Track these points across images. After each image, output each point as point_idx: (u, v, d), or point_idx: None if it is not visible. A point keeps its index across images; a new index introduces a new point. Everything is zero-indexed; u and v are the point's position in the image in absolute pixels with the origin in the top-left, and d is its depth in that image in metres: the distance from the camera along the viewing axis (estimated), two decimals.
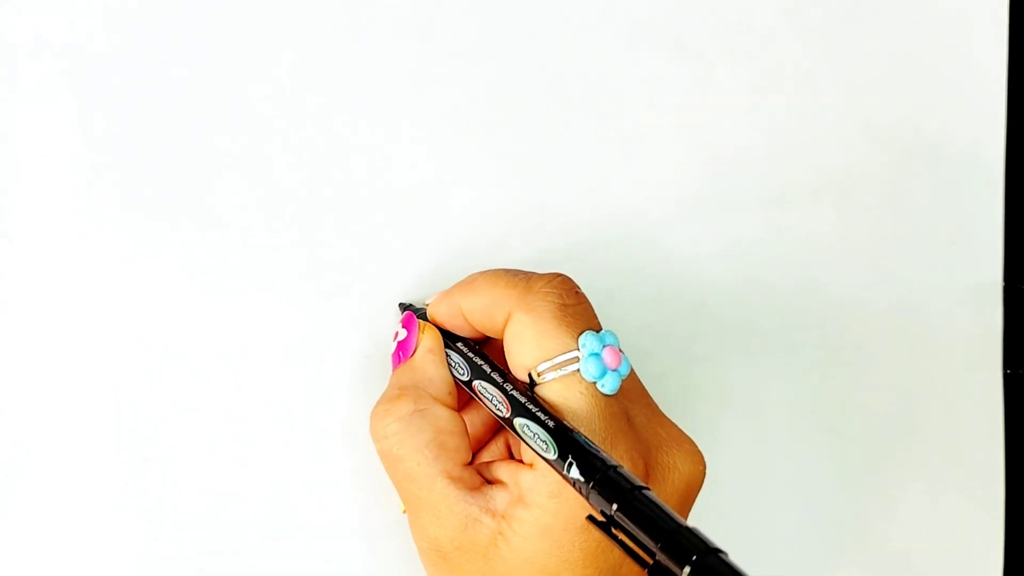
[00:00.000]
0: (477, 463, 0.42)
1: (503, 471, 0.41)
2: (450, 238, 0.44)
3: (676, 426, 0.42)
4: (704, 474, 0.42)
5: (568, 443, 0.38)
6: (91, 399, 0.40)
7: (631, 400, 0.42)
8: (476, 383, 0.42)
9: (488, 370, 0.42)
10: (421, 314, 0.44)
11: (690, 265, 0.47)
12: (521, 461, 0.41)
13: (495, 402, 0.40)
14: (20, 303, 0.40)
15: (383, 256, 0.43)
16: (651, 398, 0.43)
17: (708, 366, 0.46)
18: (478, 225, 0.45)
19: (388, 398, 0.42)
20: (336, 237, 0.43)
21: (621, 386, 0.41)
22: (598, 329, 0.41)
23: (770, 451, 0.47)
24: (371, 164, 0.43)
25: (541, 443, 0.38)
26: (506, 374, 0.41)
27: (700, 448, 0.41)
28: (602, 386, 0.40)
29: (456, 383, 0.43)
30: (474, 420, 0.45)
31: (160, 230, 0.41)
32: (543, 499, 0.40)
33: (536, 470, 0.40)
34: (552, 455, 0.38)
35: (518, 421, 0.39)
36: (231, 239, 0.41)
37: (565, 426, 0.39)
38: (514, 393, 0.40)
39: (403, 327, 0.44)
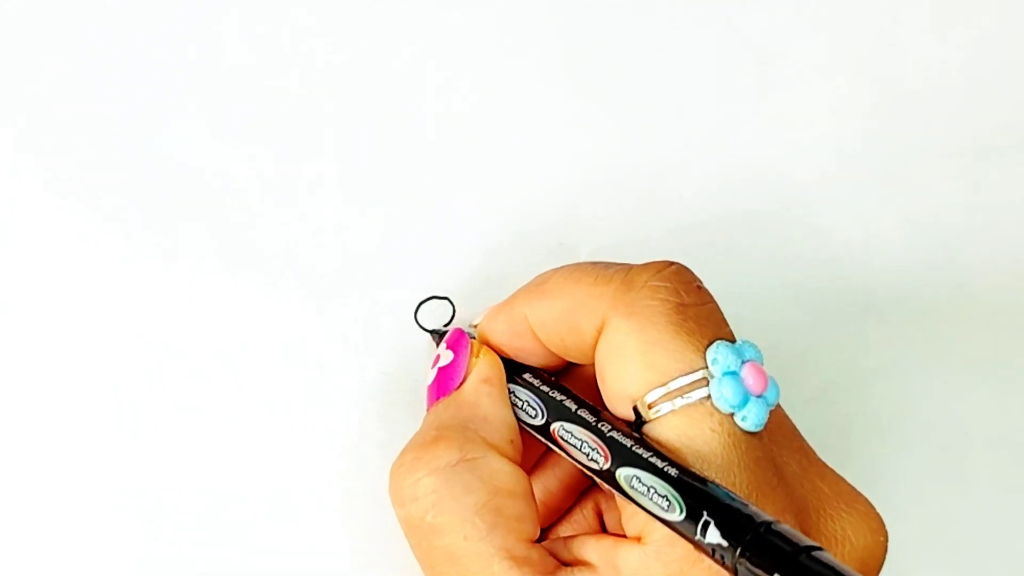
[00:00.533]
0: (550, 540, 0.37)
1: (591, 549, 0.36)
2: (491, 224, 0.44)
3: (843, 479, 0.37)
4: (886, 547, 0.37)
5: (700, 496, 0.32)
6: (91, 399, 0.42)
7: (778, 442, 0.36)
8: (556, 427, 0.36)
9: (573, 407, 0.36)
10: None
11: (852, 248, 0.45)
12: (618, 534, 0.36)
13: (586, 450, 0.35)
14: (20, 303, 0.42)
15: (395, 251, 0.43)
16: (804, 440, 0.37)
17: (880, 387, 0.43)
18: (534, 205, 0.44)
19: (421, 443, 0.36)
20: (342, 231, 0.43)
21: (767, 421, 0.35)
22: (732, 339, 0.35)
23: (974, 508, 0.44)
24: (385, 128, 0.44)
25: (659, 499, 0.33)
26: (599, 410, 0.36)
27: (877, 509, 0.37)
28: (742, 419, 0.34)
29: (522, 429, 0.38)
30: (548, 483, 0.40)
31: (160, 230, 0.42)
32: None
33: (647, 545, 0.34)
34: (677, 515, 0.32)
35: (623, 473, 0.34)
36: (231, 238, 0.42)
37: (693, 473, 0.33)
38: (614, 434, 0.34)
39: (448, 348, 0.39)
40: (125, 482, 0.41)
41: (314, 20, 0.44)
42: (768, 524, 0.31)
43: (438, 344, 0.40)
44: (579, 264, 0.37)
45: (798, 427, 0.38)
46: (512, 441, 0.37)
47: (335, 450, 0.42)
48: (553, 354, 0.37)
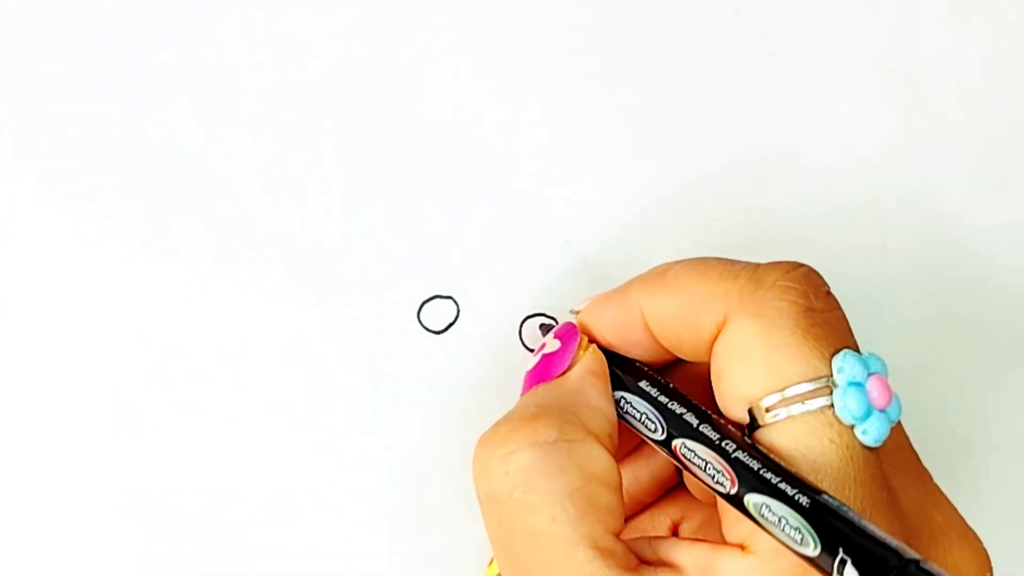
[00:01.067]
0: (633, 538, 0.35)
1: (682, 552, 0.33)
2: (495, 222, 0.43)
3: (956, 510, 0.35)
4: None
5: (834, 530, 0.29)
6: (91, 399, 0.42)
7: (898, 465, 0.34)
8: (678, 444, 0.34)
9: (694, 422, 0.34)
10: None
11: (869, 244, 0.43)
12: (709, 540, 0.34)
13: (711, 471, 0.32)
14: (19, 302, 0.42)
15: (396, 250, 0.42)
16: (924, 466, 0.36)
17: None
18: (539, 203, 0.43)
19: (520, 417, 0.34)
20: (343, 230, 0.43)
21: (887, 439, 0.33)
22: (858, 350, 0.33)
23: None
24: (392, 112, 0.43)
25: (792, 531, 0.30)
26: (722, 424, 0.33)
27: (985, 544, 0.35)
28: (863, 433, 0.32)
29: (627, 429, 0.35)
30: (639, 473, 0.38)
31: (159, 229, 0.42)
32: None
33: (752, 555, 0.32)
34: (811, 550, 0.30)
35: (751, 500, 0.31)
36: (231, 238, 0.42)
37: (826, 503, 0.30)
38: (739, 455, 0.32)
39: (556, 338, 0.37)
40: (125, 482, 0.41)
41: (315, 17, 0.43)
42: (916, 562, 0.29)
43: (543, 334, 0.39)
44: (703, 258, 0.35)
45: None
46: (611, 435, 0.35)
47: (335, 450, 0.41)
48: (661, 349, 0.36)
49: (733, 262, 0.34)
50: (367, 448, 0.41)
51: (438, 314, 0.41)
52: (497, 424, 0.34)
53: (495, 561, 0.37)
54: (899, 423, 0.35)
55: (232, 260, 0.42)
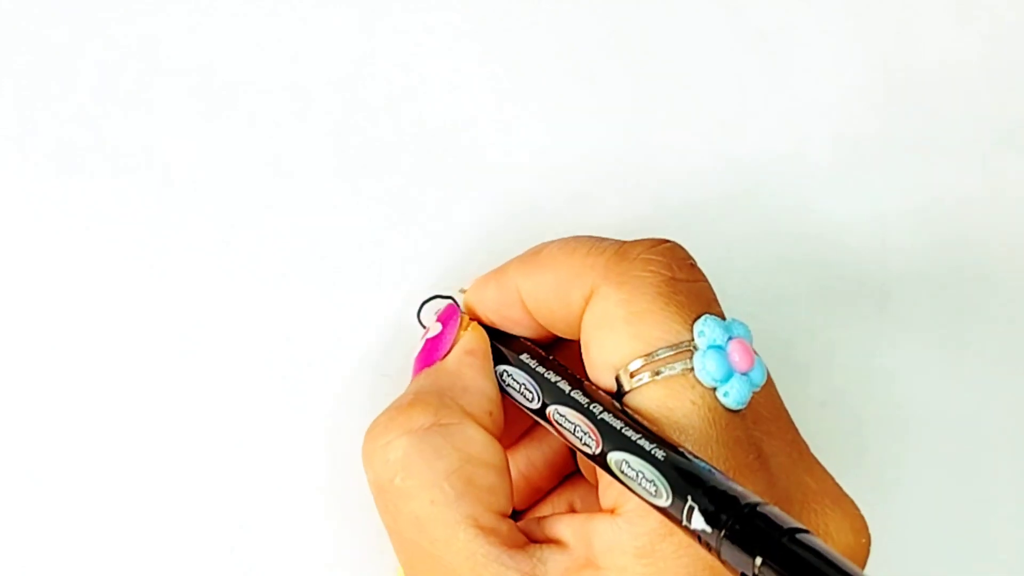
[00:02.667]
0: (524, 520, 0.35)
1: (564, 526, 0.34)
2: (493, 221, 0.43)
3: (831, 477, 0.35)
4: (868, 548, 0.35)
5: (685, 480, 0.30)
6: (91, 399, 0.41)
7: (768, 431, 0.35)
8: (552, 410, 0.34)
9: (567, 388, 0.34)
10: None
11: (860, 232, 0.43)
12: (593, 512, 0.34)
13: (579, 434, 0.33)
14: (19, 302, 0.41)
15: (396, 250, 0.42)
16: (798, 432, 0.36)
17: (897, 385, 0.41)
18: (537, 201, 0.43)
19: (397, 406, 0.35)
20: (342, 229, 0.42)
21: (752, 404, 0.33)
22: (722, 317, 0.34)
23: (976, 513, 0.42)
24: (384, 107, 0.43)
25: (647, 484, 0.31)
26: (593, 390, 0.34)
27: (862, 511, 0.35)
28: (724, 395, 0.33)
29: (521, 411, 0.36)
30: (533, 457, 0.38)
31: (157, 229, 0.42)
32: (627, 560, 0.32)
33: (619, 517, 0.32)
34: (664, 500, 0.31)
35: (613, 457, 0.32)
36: (228, 237, 0.42)
37: (681, 453, 0.31)
38: (604, 416, 0.33)
39: (438, 321, 0.38)
40: (123, 482, 0.41)
41: (313, 14, 0.43)
42: (753, 506, 0.29)
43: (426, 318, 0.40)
44: (574, 237, 0.36)
45: (813, 427, 0.37)
46: (491, 413, 0.35)
47: (335, 450, 0.41)
48: (539, 327, 0.36)
49: (601, 239, 0.35)
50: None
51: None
52: (379, 415, 0.35)
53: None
54: (775, 392, 0.35)
55: (229, 260, 0.42)
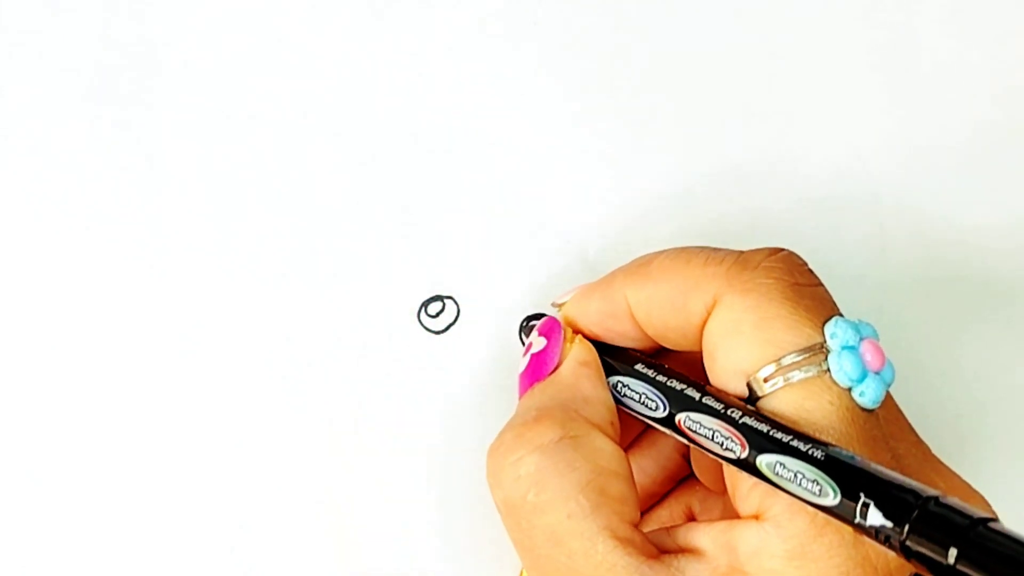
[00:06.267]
0: (651, 531, 0.35)
1: (700, 535, 0.33)
2: (494, 222, 0.42)
3: (958, 476, 0.35)
4: None
5: (853, 475, 0.30)
6: (91, 399, 0.41)
7: (894, 434, 0.35)
8: (682, 417, 0.34)
9: (696, 395, 0.34)
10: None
11: (868, 247, 0.43)
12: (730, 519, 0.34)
13: (719, 439, 0.33)
14: (19, 302, 0.41)
15: (395, 250, 0.42)
16: (919, 435, 0.36)
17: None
18: (539, 203, 0.43)
19: (521, 423, 0.35)
20: (342, 230, 0.42)
21: (879, 411, 0.33)
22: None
23: None
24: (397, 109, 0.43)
25: (809, 484, 0.31)
26: (723, 395, 0.34)
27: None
28: (860, 395, 0.33)
29: (641, 420, 0.36)
30: (645, 464, 0.38)
31: (158, 229, 0.42)
32: (777, 564, 0.32)
33: (765, 521, 0.32)
34: (832, 499, 0.30)
35: (764, 460, 0.32)
36: (229, 238, 0.42)
37: (841, 451, 0.31)
38: (747, 420, 0.33)
39: (541, 335, 0.37)
40: (123, 482, 0.40)
41: (315, 15, 0.43)
42: (935, 498, 0.29)
43: (527, 336, 0.39)
44: (686, 247, 0.36)
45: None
46: (612, 423, 0.35)
47: (335, 450, 0.41)
48: (647, 339, 0.36)
49: (715, 249, 0.35)
50: (366, 449, 0.41)
51: (438, 314, 0.41)
52: (502, 433, 0.35)
53: (524, 571, 0.37)
54: (892, 399, 0.35)
55: (230, 260, 0.41)
